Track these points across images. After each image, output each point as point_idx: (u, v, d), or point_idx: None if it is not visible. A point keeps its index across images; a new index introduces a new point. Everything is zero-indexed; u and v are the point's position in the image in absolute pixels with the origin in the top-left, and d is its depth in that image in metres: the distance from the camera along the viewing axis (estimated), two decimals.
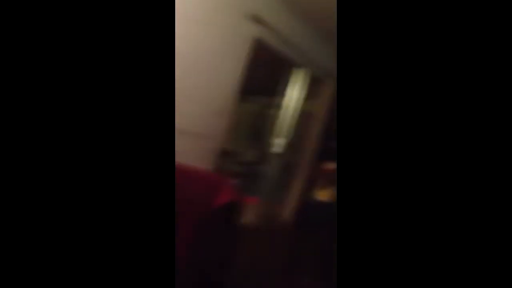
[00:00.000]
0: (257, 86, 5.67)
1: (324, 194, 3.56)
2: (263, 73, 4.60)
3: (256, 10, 2.55)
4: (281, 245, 3.18)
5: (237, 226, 1.77)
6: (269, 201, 3.59)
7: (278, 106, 3.63)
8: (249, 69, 2.73)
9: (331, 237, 3.16)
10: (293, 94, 3.46)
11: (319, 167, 3.66)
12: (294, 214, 3.62)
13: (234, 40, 2.52)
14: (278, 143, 3.44)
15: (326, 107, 3.58)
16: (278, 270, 2.46)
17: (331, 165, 3.57)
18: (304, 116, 3.77)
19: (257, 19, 2.57)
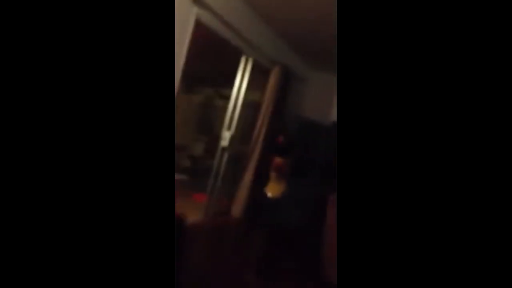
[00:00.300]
0: (203, 76, 5.44)
1: (274, 190, 3.51)
2: (209, 62, 4.39)
3: None
4: (229, 242, 3.07)
5: (180, 244, 1.77)
6: (217, 197, 3.44)
7: (225, 97, 3.47)
8: (194, 57, 2.53)
9: (278, 235, 3.21)
10: (240, 84, 3.32)
11: (268, 160, 3.57)
12: (243, 211, 3.52)
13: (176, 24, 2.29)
14: (226, 136, 3.28)
15: (273, 97, 3.50)
16: (226, 267, 2.36)
17: (280, 159, 3.51)
18: (251, 107, 3.66)
19: (199, 1, 2.37)
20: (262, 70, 3.45)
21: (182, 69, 2.44)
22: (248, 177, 3.45)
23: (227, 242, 3.04)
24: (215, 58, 4.10)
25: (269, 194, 3.48)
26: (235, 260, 2.57)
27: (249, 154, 3.47)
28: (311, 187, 3.55)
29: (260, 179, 3.54)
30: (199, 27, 2.50)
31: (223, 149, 3.31)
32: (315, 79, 4.78)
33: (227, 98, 3.41)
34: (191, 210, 3.21)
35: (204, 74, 5.15)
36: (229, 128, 3.30)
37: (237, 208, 3.54)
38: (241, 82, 3.31)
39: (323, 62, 4.23)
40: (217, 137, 3.43)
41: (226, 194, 3.57)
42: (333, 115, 4.52)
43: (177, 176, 4.16)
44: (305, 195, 3.50)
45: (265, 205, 3.49)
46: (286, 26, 3.16)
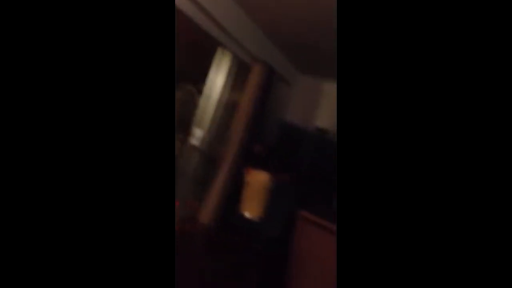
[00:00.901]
0: (183, 70, 5.15)
1: (252, 209, 2.99)
2: (189, 56, 4.12)
3: None
4: (198, 251, 2.80)
5: None
6: (186, 201, 3.15)
7: (201, 93, 3.19)
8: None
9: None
10: (218, 81, 3.06)
11: (243, 168, 3.14)
12: (213, 218, 3.23)
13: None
14: (197, 134, 3.00)
15: (253, 97, 3.24)
16: (194, 276, 2.11)
17: (259, 173, 2.98)
18: (229, 106, 3.40)
19: None
20: (242, 67, 3.19)
21: None
22: (219, 183, 3.15)
23: (190, 251, 2.76)
24: (196, 51, 3.83)
25: (247, 214, 2.95)
26: (202, 270, 2.31)
27: (223, 157, 3.18)
28: (293, 204, 3.20)
29: (235, 189, 3.14)
30: (178, 17, 2.24)
31: (195, 148, 3.03)
32: (299, 83, 4.56)
33: (203, 94, 3.14)
34: None
35: (184, 69, 4.86)
36: (202, 126, 3.02)
37: (206, 215, 3.26)
38: (217, 78, 3.05)
39: (310, 65, 4.02)
40: (190, 135, 3.15)
41: (197, 198, 3.27)
42: (317, 121, 4.31)
43: None
44: (288, 214, 3.18)
45: (240, 227, 2.97)
46: (273, 23, 2.93)
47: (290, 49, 3.56)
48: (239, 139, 3.16)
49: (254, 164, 2.89)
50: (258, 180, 2.84)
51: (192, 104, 5.56)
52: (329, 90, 4.31)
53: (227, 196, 3.11)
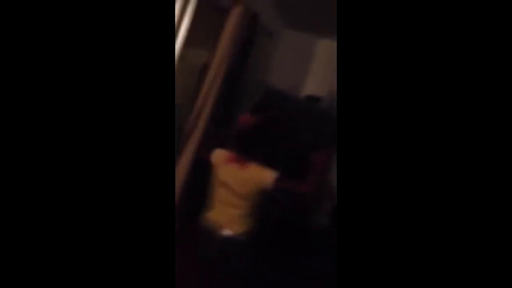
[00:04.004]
0: None
1: (232, 223, 1.57)
2: None
3: None
4: None
5: None
6: None
7: None
8: None
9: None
10: (180, 32, 2.20)
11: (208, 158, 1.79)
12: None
13: None
14: None
15: (229, 51, 2.40)
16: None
17: (251, 167, 1.53)
18: (195, 68, 2.55)
19: None
20: (216, 9, 2.33)
21: None
22: (182, 165, 2.38)
23: None
24: None
25: (227, 232, 1.55)
26: None
27: (187, 133, 2.39)
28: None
29: (200, 186, 1.80)
30: None
31: None
32: (287, 38, 3.74)
33: None
34: None
35: None
36: None
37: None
38: (181, 29, 2.19)
39: (301, 17, 3.20)
40: None
41: None
42: (307, 87, 3.59)
43: None
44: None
45: (211, 246, 1.61)
46: None
47: None
48: (209, 105, 2.35)
49: (241, 149, 1.55)
50: (248, 177, 1.51)
51: None
52: (324, 49, 3.55)
53: (189, 196, 2.29)
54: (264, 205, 1.55)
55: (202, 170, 1.80)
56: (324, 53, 3.56)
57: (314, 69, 3.63)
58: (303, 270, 2.69)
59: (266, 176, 1.44)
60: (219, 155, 1.57)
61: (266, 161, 1.50)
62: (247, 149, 1.52)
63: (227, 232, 1.52)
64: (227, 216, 1.53)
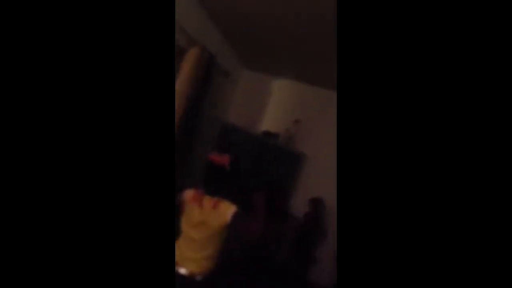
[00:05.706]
0: None
1: (194, 262, 1.48)
2: None
3: None
4: None
5: None
6: None
7: None
8: None
9: None
10: None
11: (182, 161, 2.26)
12: None
13: None
14: None
15: (187, 88, 2.48)
16: None
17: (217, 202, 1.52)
18: None
19: None
20: (178, 50, 2.42)
21: None
22: None
23: None
24: None
25: (182, 271, 1.48)
26: None
27: None
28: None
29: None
30: None
31: None
32: (244, 78, 3.92)
33: None
34: None
35: None
36: None
37: None
38: None
39: (258, 58, 3.39)
40: None
41: None
42: (263, 124, 3.71)
43: None
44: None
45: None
46: (220, 7, 2.22)
47: (237, 37, 2.89)
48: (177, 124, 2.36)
49: (212, 190, 1.56)
50: (215, 215, 1.49)
51: None
52: (279, 88, 3.76)
53: None
54: (225, 243, 1.53)
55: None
56: (280, 91, 3.75)
57: (270, 107, 3.78)
58: None
59: (229, 211, 1.45)
60: (188, 193, 1.54)
61: (231, 199, 1.51)
62: (218, 187, 1.53)
63: (182, 271, 1.47)
64: (186, 255, 1.49)
